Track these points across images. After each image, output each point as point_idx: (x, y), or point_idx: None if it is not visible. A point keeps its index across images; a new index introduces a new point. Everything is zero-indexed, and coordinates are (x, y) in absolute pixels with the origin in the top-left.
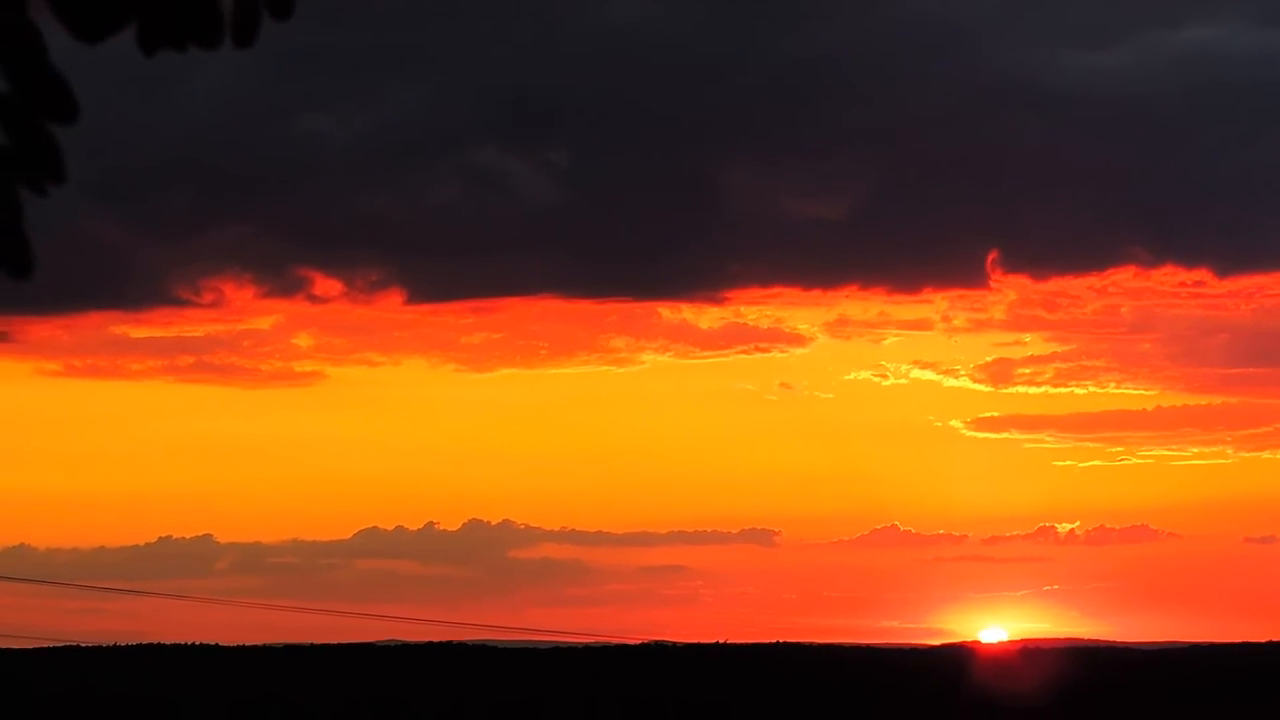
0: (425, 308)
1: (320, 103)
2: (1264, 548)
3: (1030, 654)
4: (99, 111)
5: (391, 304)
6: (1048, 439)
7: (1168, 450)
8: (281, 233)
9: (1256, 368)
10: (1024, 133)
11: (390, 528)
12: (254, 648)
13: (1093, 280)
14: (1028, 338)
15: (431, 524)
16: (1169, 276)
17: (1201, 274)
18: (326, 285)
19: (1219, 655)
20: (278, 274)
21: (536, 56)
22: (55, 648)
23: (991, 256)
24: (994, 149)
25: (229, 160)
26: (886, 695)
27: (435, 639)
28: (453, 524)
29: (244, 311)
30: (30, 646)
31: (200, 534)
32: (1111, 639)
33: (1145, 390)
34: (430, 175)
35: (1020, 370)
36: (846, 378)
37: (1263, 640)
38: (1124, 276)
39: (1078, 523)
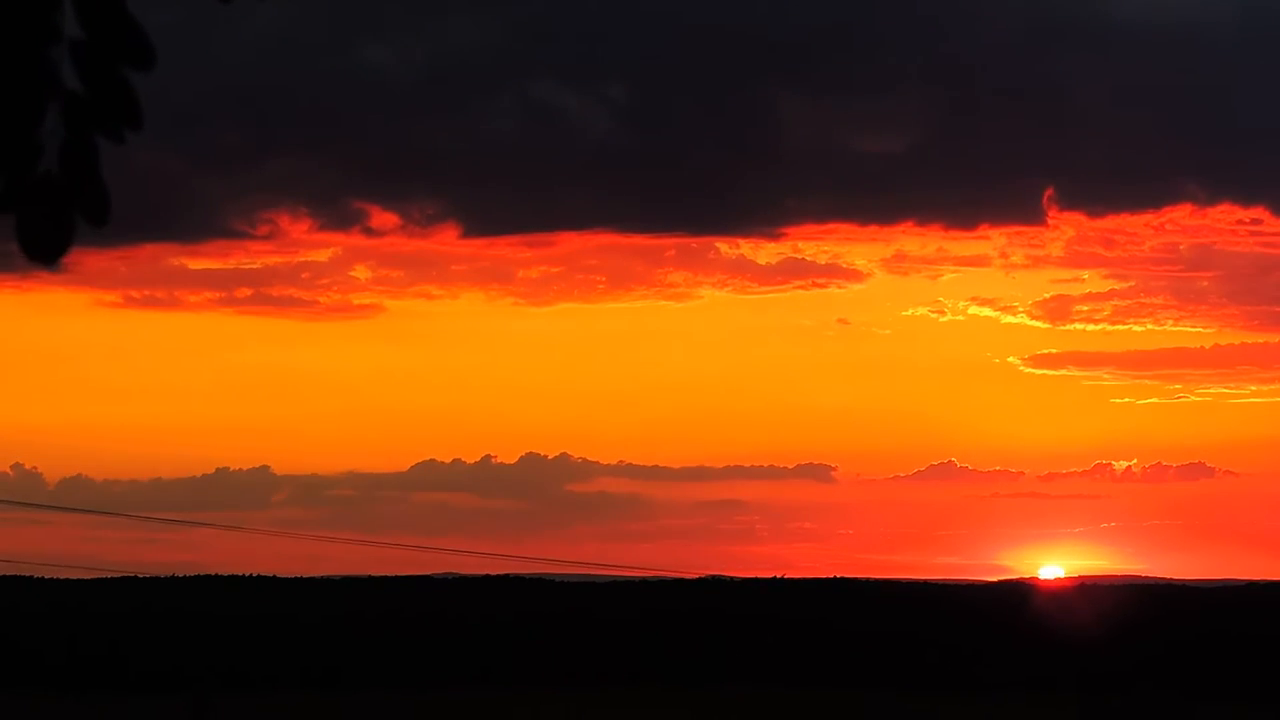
0: (481, 241)
1: (378, 34)
2: None
3: (1088, 591)
4: (156, 42)
5: (447, 237)
6: (1105, 376)
7: (1226, 388)
8: (337, 165)
9: None
10: (1082, 67)
11: (448, 460)
12: (311, 579)
13: (1149, 218)
14: (1086, 275)
15: (489, 457)
16: (1225, 214)
17: (1259, 212)
18: (383, 218)
19: (1276, 592)
20: (333, 207)
21: None
22: (113, 578)
23: (1048, 193)
24: (1051, 84)
25: (285, 92)
26: (945, 630)
27: (493, 571)
28: (510, 457)
29: (300, 244)
30: (88, 577)
31: (257, 465)
32: (1169, 576)
33: (1204, 328)
34: (487, 108)
35: (1078, 307)
36: (904, 314)
37: None
38: (1180, 214)
39: (1135, 460)
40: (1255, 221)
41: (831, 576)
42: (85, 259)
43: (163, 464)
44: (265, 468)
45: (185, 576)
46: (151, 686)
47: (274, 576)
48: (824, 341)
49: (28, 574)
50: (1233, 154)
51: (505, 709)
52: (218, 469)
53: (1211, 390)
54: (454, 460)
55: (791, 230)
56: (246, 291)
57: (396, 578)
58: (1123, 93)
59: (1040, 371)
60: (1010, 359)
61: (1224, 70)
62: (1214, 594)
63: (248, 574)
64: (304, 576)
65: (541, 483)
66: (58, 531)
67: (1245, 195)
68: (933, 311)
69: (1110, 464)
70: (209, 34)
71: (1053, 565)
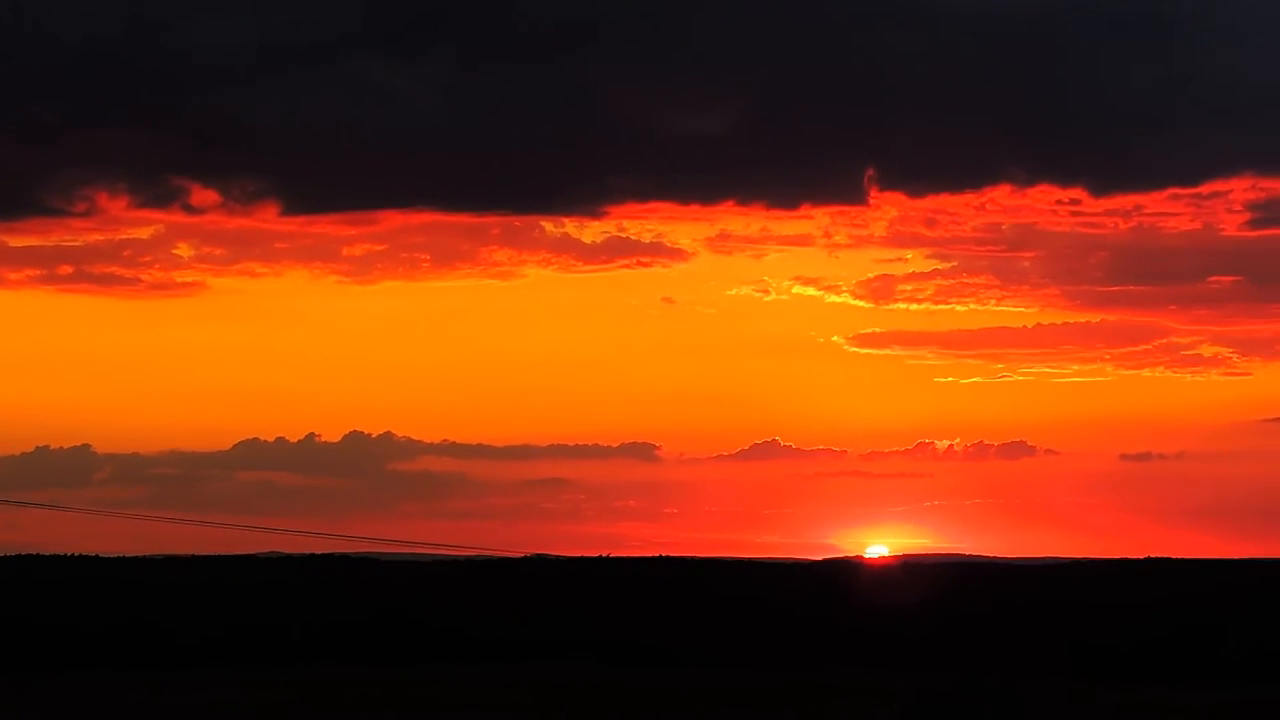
0: (302, 219)
1: (199, 8)
2: (1139, 465)
3: (911, 569)
4: None
5: (268, 215)
6: (928, 355)
7: (1047, 368)
8: (155, 141)
9: (1135, 285)
10: (902, 48)
11: (271, 439)
12: (134, 558)
13: (970, 198)
14: (909, 254)
15: (312, 435)
16: (1044, 195)
17: (1077, 192)
18: (203, 195)
19: (1095, 571)
20: (152, 183)
21: None
22: None
23: (869, 173)
24: (872, 64)
25: (103, 66)
26: (769, 610)
27: (317, 551)
28: (333, 435)
29: (121, 221)
30: None
31: (78, 444)
32: (991, 554)
33: (1025, 308)
34: (308, 85)
35: (902, 287)
36: (728, 293)
37: (1139, 556)
38: (1000, 194)
39: (957, 439)
40: (1074, 201)
41: (658, 555)
42: None
43: None
44: (86, 446)
45: (4, 556)
46: None
47: (96, 556)
48: (649, 320)
49: None
50: (1051, 135)
51: (339, 689)
52: (38, 447)
53: (1033, 370)
54: (277, 439)
55: (615, 209)
56: (68, 269)
57: (220, 557)
58: (943, 73)
59: (864, 351)
60: (834, 338)
61: (1043, 53)
62: (1035, 571)
63: (69, 553)
64: (127, 555)
65: (365, 461)
66: None
67: (1063, 176)
68: (757, 290)
69: (933, 443)
70: (25, 6)
71: (877, 544)
